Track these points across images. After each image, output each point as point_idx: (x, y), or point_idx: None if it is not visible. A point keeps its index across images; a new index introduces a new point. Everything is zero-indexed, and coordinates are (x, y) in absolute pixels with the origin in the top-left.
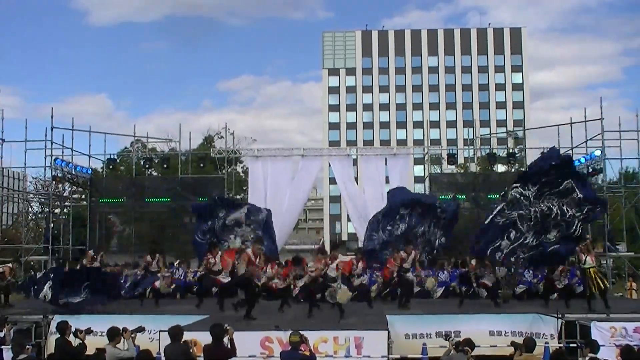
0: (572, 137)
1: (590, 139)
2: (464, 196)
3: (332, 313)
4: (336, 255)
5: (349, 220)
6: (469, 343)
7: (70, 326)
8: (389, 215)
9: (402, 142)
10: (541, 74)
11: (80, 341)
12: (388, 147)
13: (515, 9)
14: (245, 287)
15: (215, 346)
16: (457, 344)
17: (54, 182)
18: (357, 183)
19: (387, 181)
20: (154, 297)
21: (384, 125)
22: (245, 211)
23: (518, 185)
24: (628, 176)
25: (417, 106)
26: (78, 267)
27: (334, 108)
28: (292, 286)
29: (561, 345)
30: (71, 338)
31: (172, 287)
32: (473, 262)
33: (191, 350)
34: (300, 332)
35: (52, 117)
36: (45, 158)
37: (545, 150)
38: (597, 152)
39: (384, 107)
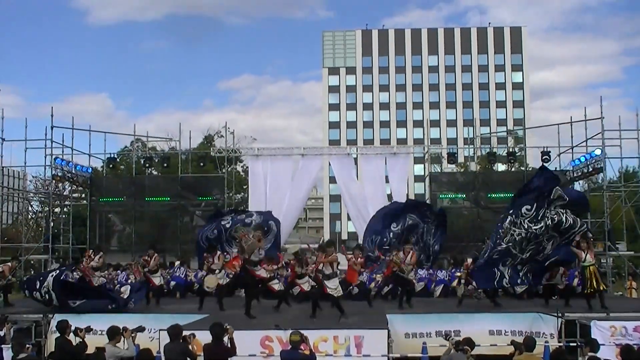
0: (572, 137)
1: (591, 138)
2: (464, 195)
3: (332, 312)
4: (331, 252)
5: (349, 219)
6: (469, 342)
7: (71, 325)
8: (389, 216)
9: (402, 141)
10: (541, 73)
11: (81, 340)
12: (388, 146)
13: (516, 8)
14: (245, 284)
15: (215, 345)
16: (457, 343)
17: (54, 181)
18: (357, 182)
19: (387, 180)
20: (154, 296)
21: (384, 124)
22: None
23: (510, 213)
24: (628, 175)
25: (417, 105)
26: (76, 279)
27: (334, 107)
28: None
29: (561, 344)
30: (71, 337)
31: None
32: (469, 261)
33: (190, 347)
34: (301, 331)
35: (52, 116)
36: (45, 157)
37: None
38: (598, 152)
39: (384, 106)
